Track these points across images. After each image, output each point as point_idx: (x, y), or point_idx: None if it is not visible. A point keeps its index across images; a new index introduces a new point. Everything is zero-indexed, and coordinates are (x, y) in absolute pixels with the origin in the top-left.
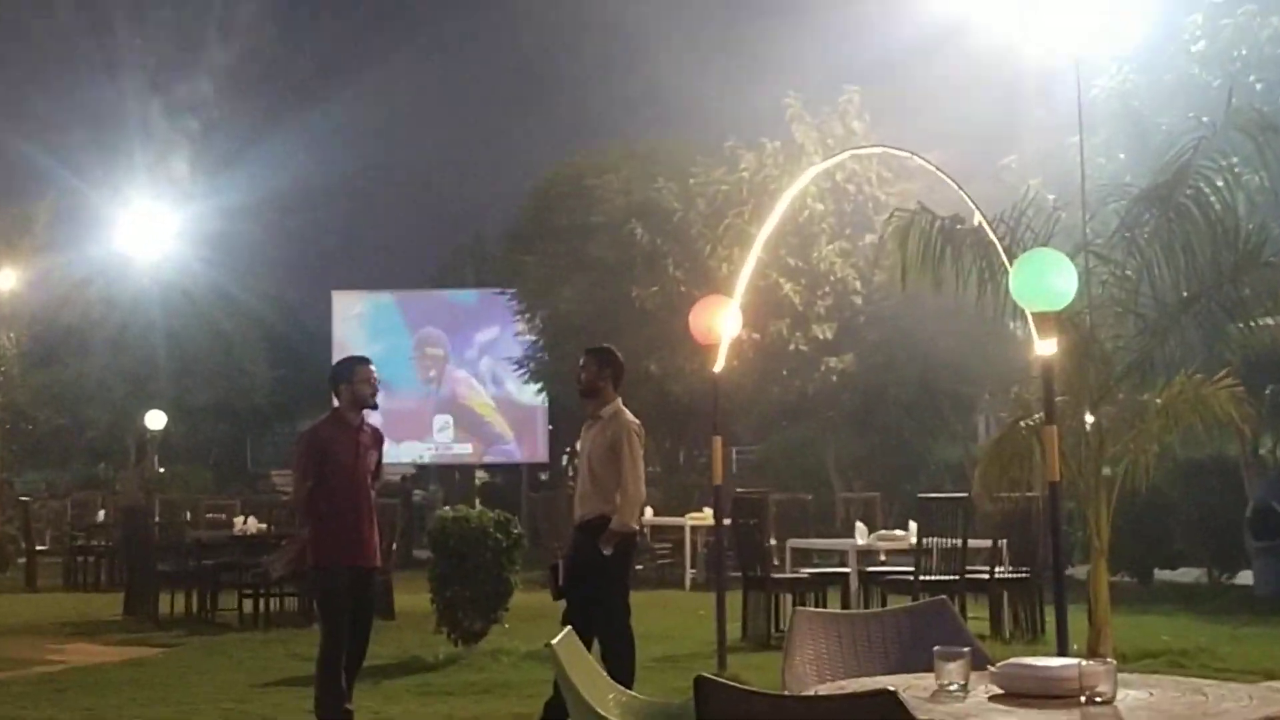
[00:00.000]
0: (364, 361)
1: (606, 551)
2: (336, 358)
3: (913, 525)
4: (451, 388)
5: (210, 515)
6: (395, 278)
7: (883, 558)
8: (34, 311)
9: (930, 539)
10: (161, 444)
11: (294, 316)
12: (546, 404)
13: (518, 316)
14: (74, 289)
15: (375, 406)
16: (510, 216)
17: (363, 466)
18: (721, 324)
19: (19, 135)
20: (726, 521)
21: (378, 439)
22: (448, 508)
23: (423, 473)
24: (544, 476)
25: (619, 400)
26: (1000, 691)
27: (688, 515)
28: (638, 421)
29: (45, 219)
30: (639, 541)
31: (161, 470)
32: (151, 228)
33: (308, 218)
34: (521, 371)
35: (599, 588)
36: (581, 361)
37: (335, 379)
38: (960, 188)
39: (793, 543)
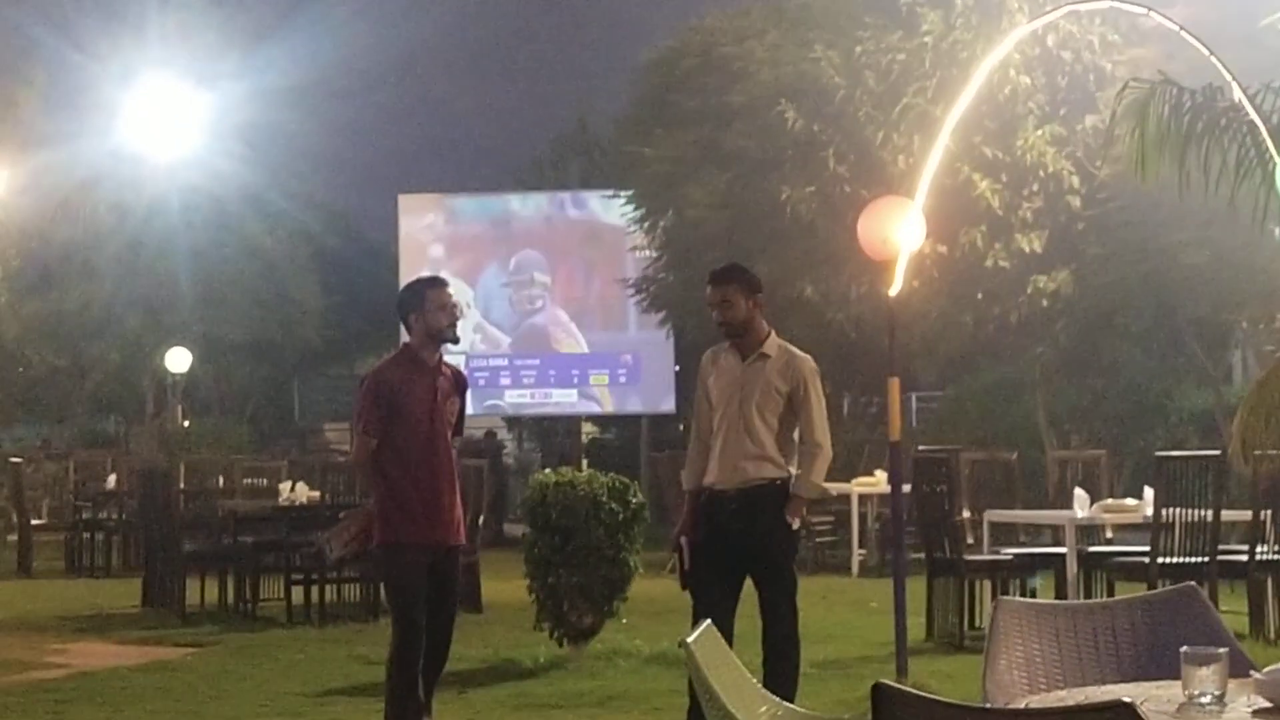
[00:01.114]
0: (437, 284)
1: (795, 525)
2: (404, 281)
3: (1148, 492)
4: (546, 326)
5: (249, 481)
6: (478, 178)
7: (1109, 534)
8: (24, 224)
9: (1171, 510)
10: (186, 391)
11: (351, 229)
12: (672, 338)
13: (633, 226)
14: (74, 194)
15: (456, 340)
16: (623, 98)
17: (441, 418)
18: (898, 234)
19: None
20: (905, 488)
21: (460, 383)
22: (548, 470)
23: (515, 427)
24: (677, 429)
25: (774, 332)
26: (1268, 705)
27: (855, 481)
28: (811, 359)
29: (35, 104)
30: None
31: (187, 424)
32: (171, 116)
33: (368, 103)
34: (639, 297)
35: (773, 574)
36: (714, 292)
37: (403, 307)
38: (1212, 54)
39: (992, 515)
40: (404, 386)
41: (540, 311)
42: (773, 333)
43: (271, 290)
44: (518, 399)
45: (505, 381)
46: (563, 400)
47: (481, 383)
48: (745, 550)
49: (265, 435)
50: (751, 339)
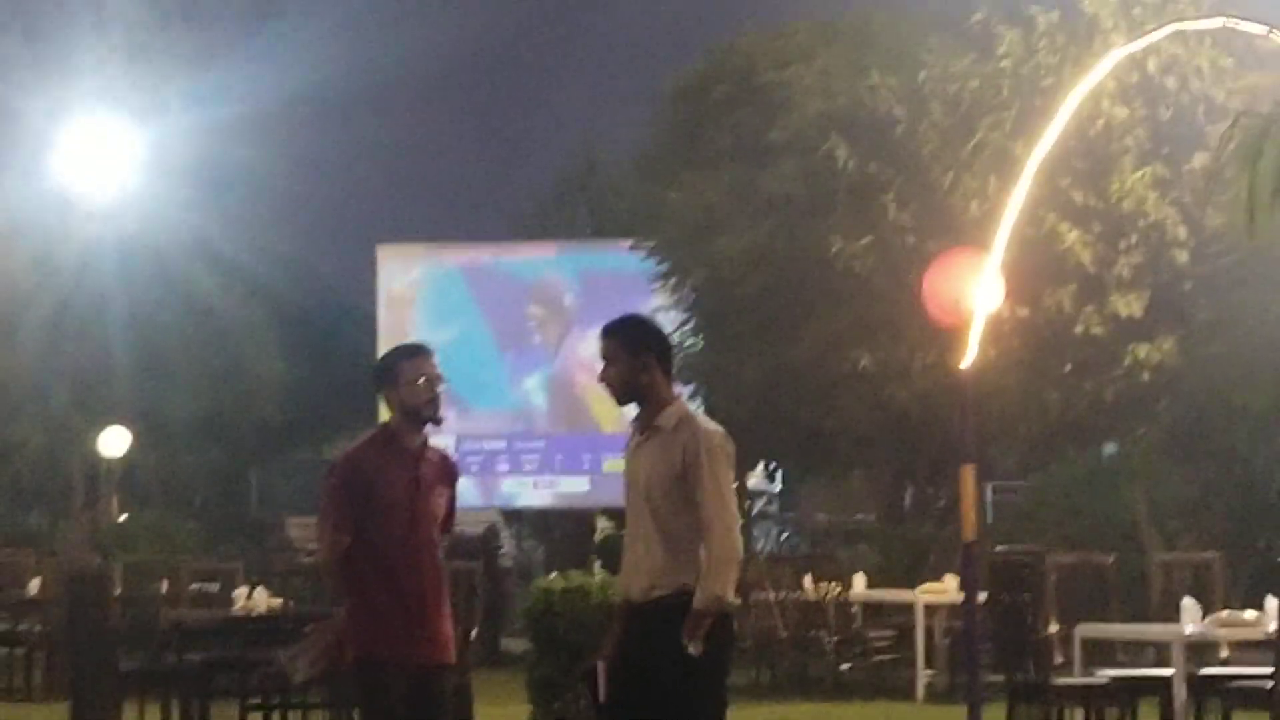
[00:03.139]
0: (417, 353)
1: (693, 650)
2: (383, 347)
3: (1270, 603)
4: (566, 367)
5: (197, 586)
6: (469, 225)
7: (1224, 653)
8: None
9: None
10: (123, 479)
11: (320, 286)
12: (704, 410)
13: (658, 281)
14: None
15: (438, 420)
16: (643, 132)
17: (425, 512)
18: (971, 295)
19: None
20: (980, 597)
21: (448, 471)
22: (553, 575)
23: (514, 521)
24: None
25: (681, 399)
26: None
27: (920, 588)
28: (720, 430)
29: None
30: (730, 622)
31: (124, 518)
32: (106, 154)
33: (340, 137)
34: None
35: (684, 705)
36: (600, 346)
37: (378, 380)
38: None
39: (1084, 630)
40: (381, 474)
41: (561, 345)
42: (677, 400)
43: (224, 359)
44: (517, 488)
45: (503, 468)
46: (571, 490)
47: (474, 469)
48: (647, 676)
49: (217, 531)
50: (648, 409)
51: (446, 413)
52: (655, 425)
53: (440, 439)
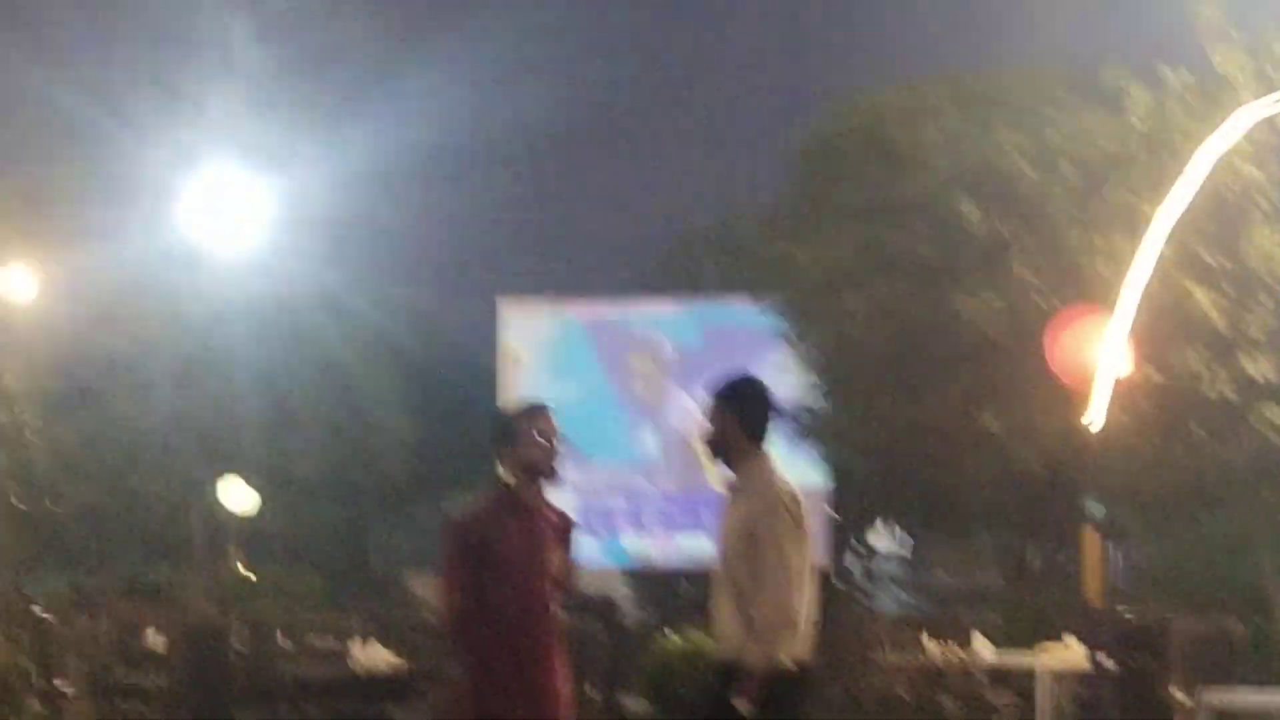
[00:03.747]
0: (538, 410)
1: (742, 710)
2: (505, 403)
3: None
4: (684, 424)
5: (317, 641)
6: (594, 281)
7: None
8: (59, 334)
9: None
10: (245, 533)
11: (444, 342)
12: (833, 479)
13: (784, 340)
14: (119, 299)
15: (558, 478)
16: (772, 188)
17: (543, 570)
18: (1099, 355)
19: (33, 60)
20: (1106, 662)
21: (567, 528)
22: (672, 634)
23: (634, 581)
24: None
25: (766, 458)
26: None
27: (1043, 650)
28: (791, 489)
29: (73, 190)
30: (791, 685)
31: (245, 573)
32: (235, 207)
33: (464, 190)
34: (789, 427)
35: None
36: None
37: (498, 438)
38: None
39: (1214, 697)
40: (499, 533)
41: (659, 400)
42: (760, 459)
43: (349, 414)
44: (637, 544)
45: (623, 524)
46: (691, 547)
47: (594, 525)
48: None
49: (338, 586)
50: (733, 468)
51: (566, 469)
52: (734, 485)
53: (560, 495)
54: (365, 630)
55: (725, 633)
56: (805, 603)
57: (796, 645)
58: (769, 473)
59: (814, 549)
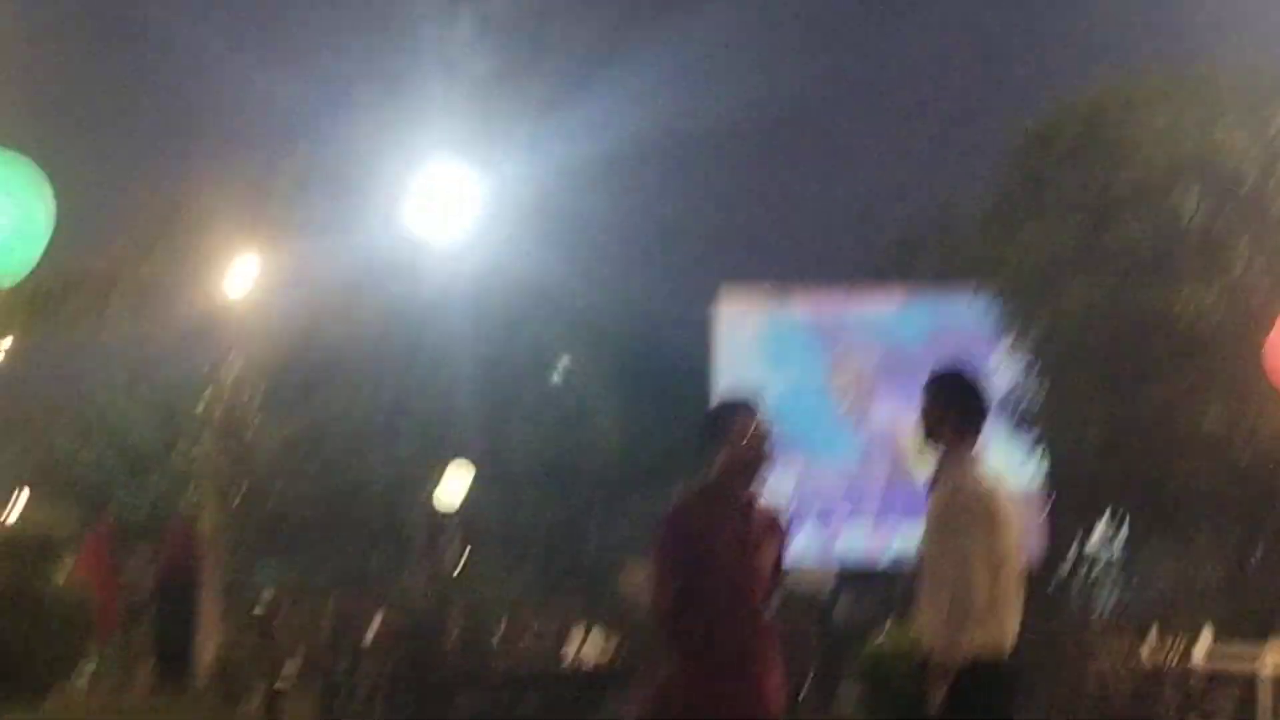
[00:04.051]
0: (750, 405)
1: (930, 706)
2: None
3: None
4: (881, 424)
5: (532, 630)
6: (814, 272)
7: None
8: (283, 326)
9: None
10: (463, 523)
11: (660, 334)
12: (1047, 468)
13: (1001, 333)
14: (341, 291)
15: (768, 474)
16: (986, 181)
17: (751, 569)
18: None
19: (263, 57)
20: None
21: (778, 527)
22: (884, 634)
23: (849, 579)
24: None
25: (972, 451)
26: None
27: (1266, 647)
28: (986, 486)
29: (293, 180)
30: (984, 679)
31: (463, 562)
32: (453, 200)
33: (681, 182)
34: (1007, 416)
35: None
36: None
37: (709, 432)
38: None
39: None
40: (709, 528)
41: (867, 406)
42: (962, 455)
43: (566, 408)
44: (856, 534)
45: (842, 516)
46: (904, 543)
47: (813, 518)
48: None
49: (553, 577)
50: (937, 463)
51: (783, 463)
52: (934, 478)
53: (774, 491)
54: (579, 621)
55: (923, 626)
56: (1000, 596)
57: (989, 638)
58: (969, 465)
59: (1019, 546)
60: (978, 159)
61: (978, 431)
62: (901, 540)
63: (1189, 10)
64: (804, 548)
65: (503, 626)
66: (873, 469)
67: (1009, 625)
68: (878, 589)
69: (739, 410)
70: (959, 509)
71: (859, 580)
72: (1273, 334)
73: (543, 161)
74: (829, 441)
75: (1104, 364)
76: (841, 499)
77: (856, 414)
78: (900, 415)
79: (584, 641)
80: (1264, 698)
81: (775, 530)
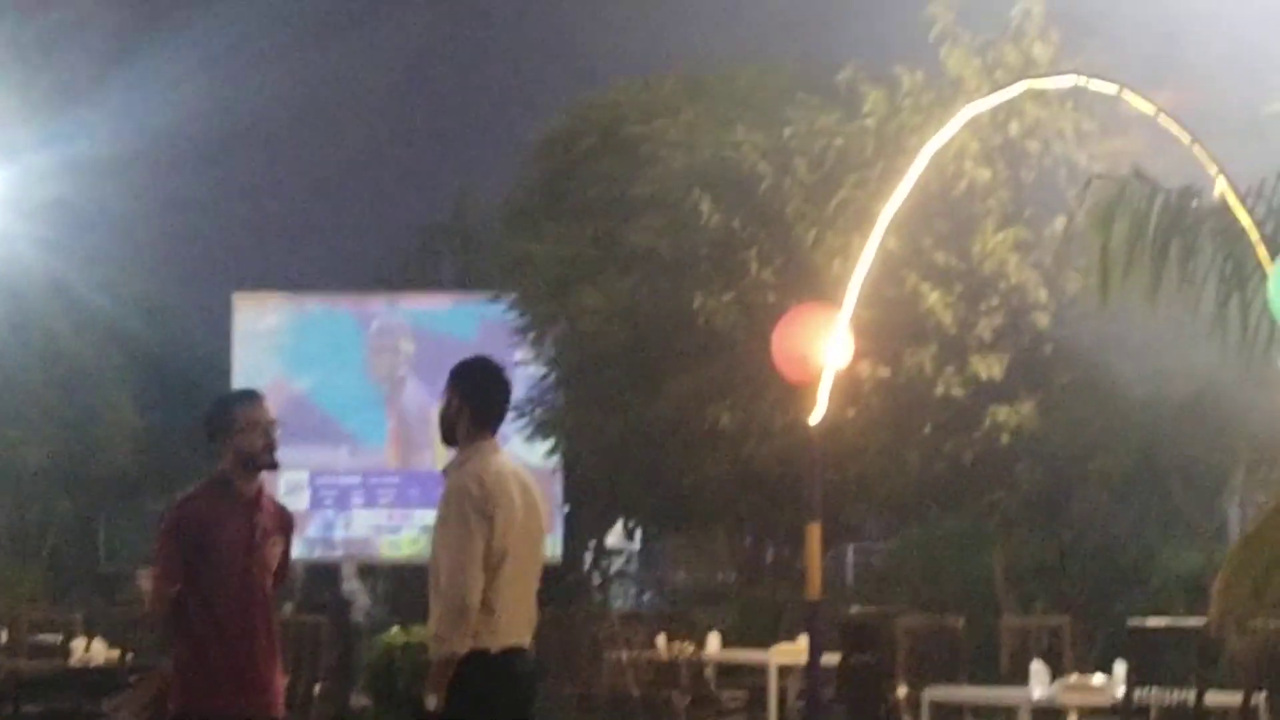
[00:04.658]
0: (250, 399)
1: (429, 704)
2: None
3: (1119, 668)
4: (415, 402)
5: (37, 636)
6: (330, 275)
7: (1073, 718)
8: None
9: (1146, 690)
10: None
11: (177, 332)
12: (561, 472)
13: (518, 335)
14: None
15: (274, 466)
16: (507, 183)
17: (259, 562)
18: (821, 350)
19: None
20: (829, 659)
21: (285, 521)
22: (395, 629)
23: (369, 577)
24: (557, 584)
25: (483, 440)
26: None
27: (774, 648)
28: (482, 472)
29: None
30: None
31: None
32: None
33: (200, 179)
34: (523, 422)
35: None
36: None
37: (210, 426)
38: (1196, 142)
39: (933, 693)
40: (214, 522)
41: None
42: (474, 444)
43: (77, 405)
44: (371, 519)
45: (357, 501)
46: (427, 522)
47: (328, 502)
48: None
49: (65, 582)
50: (456, 451)
51: (300, 453)
52: (448, 468)
53: (294, 475)
54: (87, 625)
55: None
56: (504, 586)
57: (490, 629)
58: (479, 456)
59: (535, 533)
60: (497, 161)
61: (496, 422)
62: (422, 518)
63: (701, 15)
64: (321, 538)
65: (6, 630)
66: (391, 457)
67: (516, 616)
68: (397, 585)
69: (241, 402)
70: (449, 495)
71: (377, 578)
72: (778, 328)
73: (59, 155)
74: (349, 434)
75: (622, 364)
76: (365, 487)
77: (377, 409)
78: (428, 407)
79: (92, 643)
80: (773, 686)
81: (281, 524)
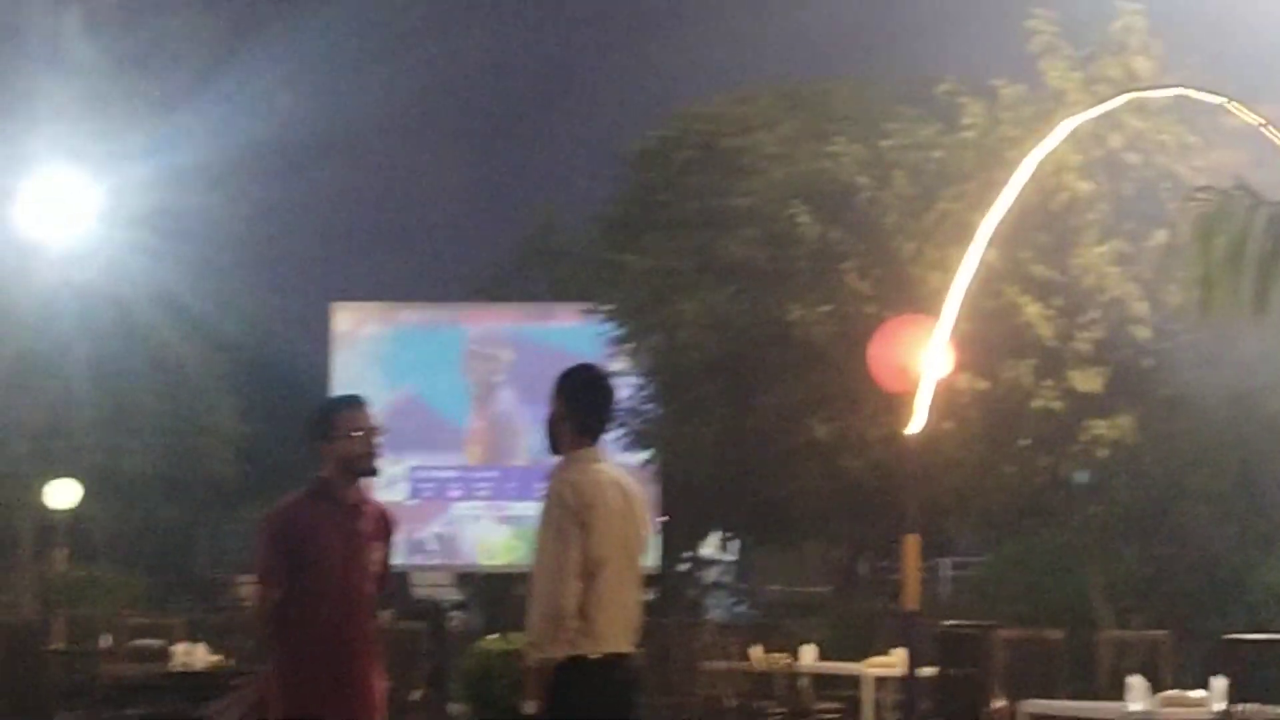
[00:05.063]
0: (352, 404)
1: (525, 710)
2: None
3: (1217, 682)
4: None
5: (139, 641)
6: (429, 284)
7: None
8: None
9: (1246, 706)
10: (73, 532)
11: (277, 341)
12: (657, 483)
13: (614, 347)
14: None
15: (374, 472)
16: (603, 196)
17: (359, 568)
18: (919, 361)
19: None
20: (926, 671)
21: (386, 526)
22: (492, 636)
23: (466, 587)
24: (652, 595)
25: (584, 449)
26: None
27: (868, 660)
28: (580, 479)
29: None
30: (573, 676)
31: (71, 571)
32: (66, 203)
33: (293, 188)
34: (620, 433)
35: None
36: None
37: (314, 432)
38: None
39: (1031, 705)
40: (314, 528)
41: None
42: (574, 451)
43: (181, 412)
44: (469, 511)
45: (455, 493)
46: (525, 513)
47: (428, 494)
48: None
49: (166, 588)
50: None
51: (401, 460)
52: (548, 475)
53: (392, 468)
54: (188, 630)
55: (527, 624)
56: (605, 593)
57: (587, 637)
58: (578, 464)
59: (636, 541)
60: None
61: (599, 430)
62: (518, 510)
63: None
64: (423, 544)
65: (109, 635)
66: (478, 460)
67: (615, 622)
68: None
69: (343, 407)
70: (557, 503)
71: (474, 588)
72: (876, 339)
73: (159, 164)
74: (451, 445)
75: (718, 375)
76: (464, 481)
77: (476, 407)
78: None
79: (194, 648)
80: (868, 697)
81: (382, 528)
